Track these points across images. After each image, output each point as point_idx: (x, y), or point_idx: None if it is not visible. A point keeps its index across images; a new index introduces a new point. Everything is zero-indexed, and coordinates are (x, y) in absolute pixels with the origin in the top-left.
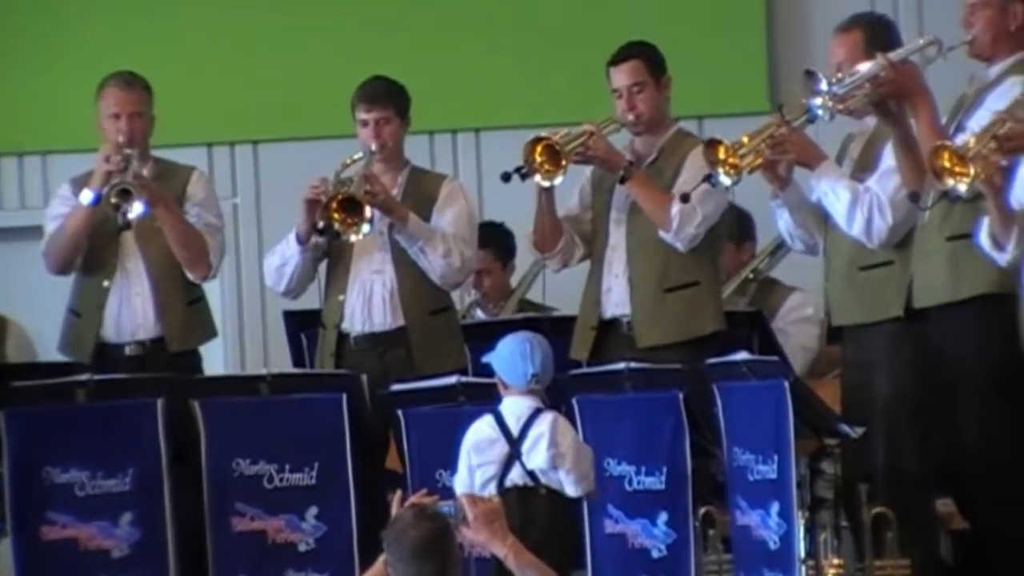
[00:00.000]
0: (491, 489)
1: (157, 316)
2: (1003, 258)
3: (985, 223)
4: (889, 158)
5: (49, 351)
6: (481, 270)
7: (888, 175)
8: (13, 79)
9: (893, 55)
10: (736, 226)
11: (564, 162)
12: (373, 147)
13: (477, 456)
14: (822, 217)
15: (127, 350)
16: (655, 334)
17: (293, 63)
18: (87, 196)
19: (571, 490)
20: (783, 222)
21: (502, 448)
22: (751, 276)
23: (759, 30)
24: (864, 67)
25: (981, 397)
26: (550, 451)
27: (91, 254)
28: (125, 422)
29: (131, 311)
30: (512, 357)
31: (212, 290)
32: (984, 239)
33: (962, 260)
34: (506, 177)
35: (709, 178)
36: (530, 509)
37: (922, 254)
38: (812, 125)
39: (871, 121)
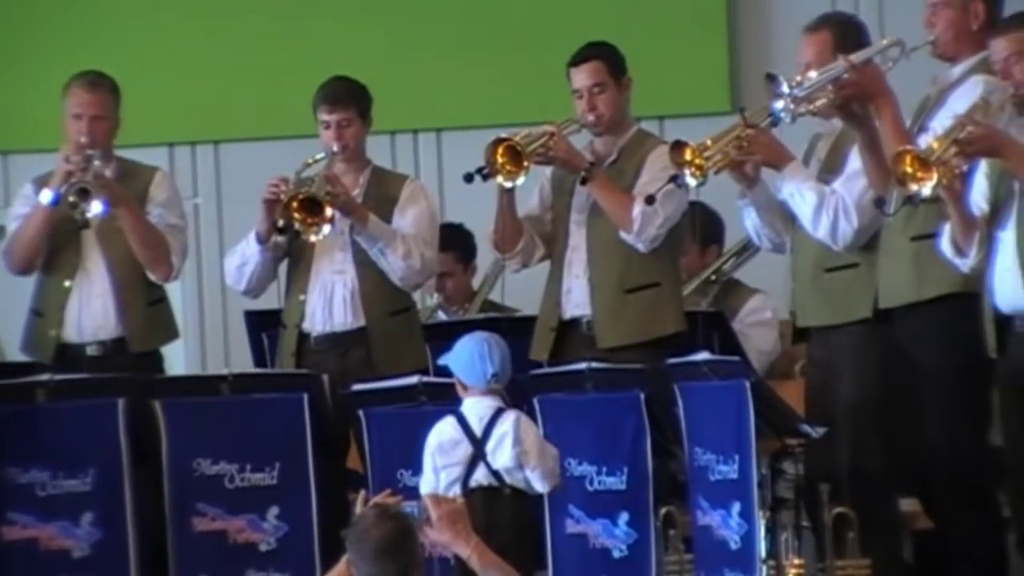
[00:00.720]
0: (456, 490)
1: (118, 316)
2: (965, 264)
3: (946, 229)
4: (856, 160)
5: (9, 351)
6: (443, 273)
7: (854, 178)
8: None
9: (855, 57)
10: (703, 228)
11: (526, 163)
12: (335, 148)
13: (442, 458)
14: (789, 216)
15: (88, 350)
16: (616, 335)
17: (255, 63)
18: (46, 196)
19: (539, 486)
20: (750, 221)
21: (466, 449)
22: (713, 277)
23: (720, 30)
24: (826, 69)
25: (945, 397)
26: (515, 449)
27: (52, 254)
28: (86, 422)
29: (92, 311)
30: (471, 358)
31: (173, 290)
32: (946, 245)
33: (926, 260)
34: (468, 178)
35: (675, 179)
36: (495, 509)
37: (887, 255)
38: (780, 126)
39: (839, 122)
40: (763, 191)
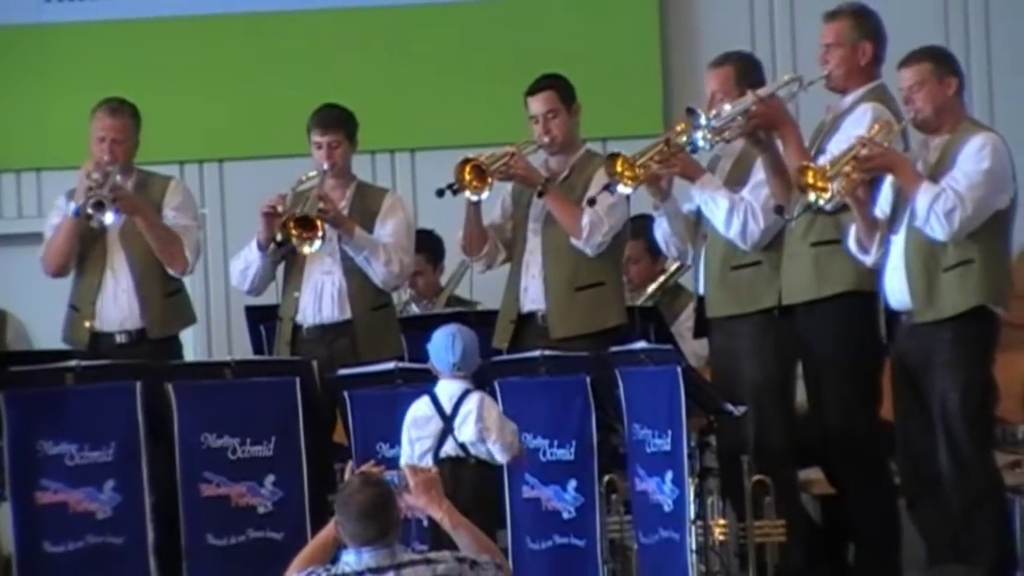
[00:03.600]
0: (428, 460)
1: (140, 308)
2: (868, 259)
3: (852, 231)
4: (760, 171)
5: (43, 342)
6: (415, 272)
7: (760, 186)
8: (9, 104)
9: (761, 91)
10: (654, 241)
11: (490, 179)
12: (325, 166)
13: (416, 431)
14: (693, 226)
15: (117, 339)
16: (566, 327)
17: (255, 92)
18: (70, 208)
19: (500, 457)
20: (660, 230)
21: (437, 424)
22: (669, 284)
23: (655, 64)
24: (737, 103)
25: (841, 381)
26: (477, 425)
27: (84, 256)
28: (108, 402)
29: (118, 305)
30: (440, 348)
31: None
32: (852, 244)
33: (824, 262)
34: (440, 193)
35: (608, 187)
36: (461, 477)
37: (789, 258)
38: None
39: (737, 143)
40: (673, 203)
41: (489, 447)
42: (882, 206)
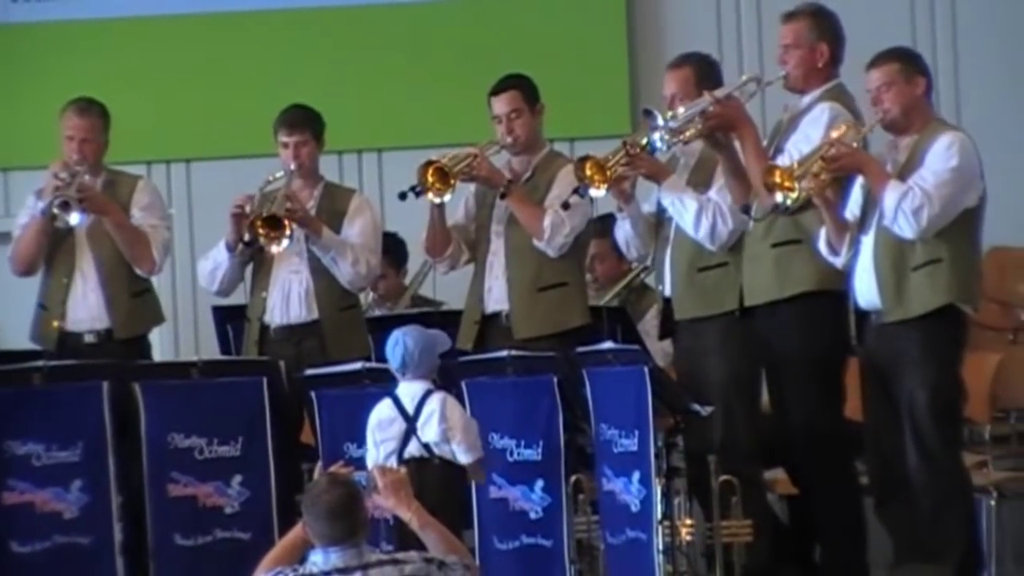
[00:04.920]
0: (392, 461)
1: (107, 308)
2: (839, 261)
3: (822, 232)
4: None
5: (10, 341)
6: (379, 274)
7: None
8: None
9: (719, 92)
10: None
11: (452, 181)
12: (292, 166)
13: (379, 433)
14: (654, 228)
15: (86, 338)
16: (529, 327)
17: (222, 92)
18: (38, 207)
19: (463, 458)
20: (623, 232)
21: (400, 426)
22: (635, 284)
23: (622, 65)
24: (694, 104)
25: (804, 381)
26: (441, 426)
27: (53, 256)
28: (75, 402)
29: (87, 305)
30: (388, 352)
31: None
32: (822, 245)
33: (785, 263)
34: (402, 196)
35: (578, 190)
36: (425, 477)
37: (750, 259)
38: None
39: (697, 145)
40: (636, 206)
41: (453, 448)
42: (851, 208)
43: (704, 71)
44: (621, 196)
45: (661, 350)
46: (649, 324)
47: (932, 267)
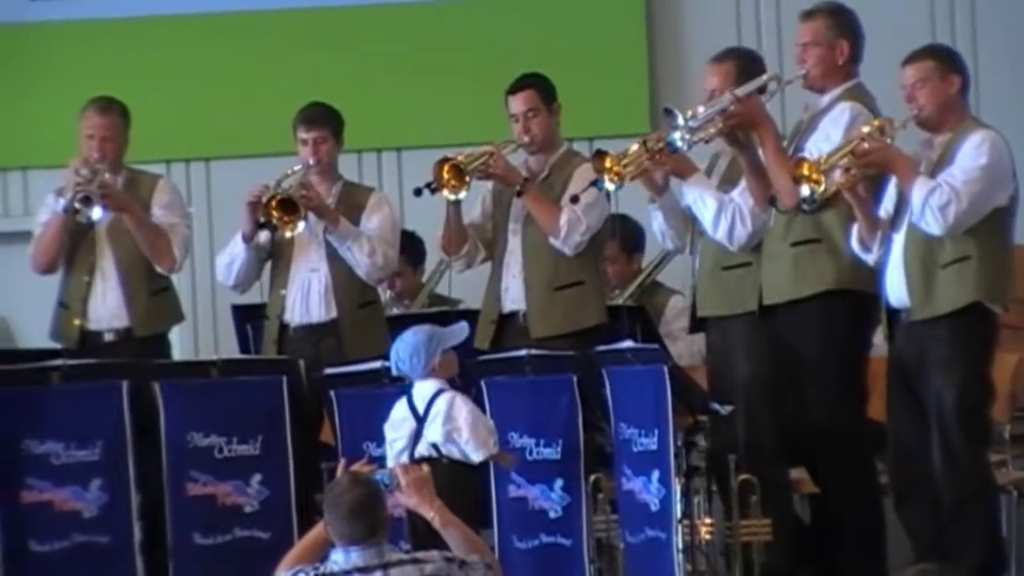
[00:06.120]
0: (403, 459)
1: (125, 307)
2: (870, 258)
3: (855, 229)
4: None
5: (30, 339)
6: (395, 272)
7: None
8: None
9: (739, 91)
10: (629, 238)
11: (468, 179)
12: (311, 162)
13: (392, 432)
14: (690, 221)
15: (105, 337)
16: (546, 326)
17: (240, 91)
18: (59, 205)
19: (474, 456)
20: (657, 223)
21: (411, 425)
22: (647, 283)
23: (642, 63)
24: (714, 103)
25: (824, 380)
26: (445, 427)
27: (73, 254)
28: (94, 401)
29: (107, 303)
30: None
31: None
32: (854, 242)
33: (803, 262)
34: (417, 192)
35: (595, 183)
36: (435, 476)
37: (769, 258)
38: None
39: None
40: (670, 198)
41: (462, 447)
42: (886, 205)
43: (745, 66)
44: (653, 188)
45: (688, 352)
46: (669, 324)
47: (961, 264)
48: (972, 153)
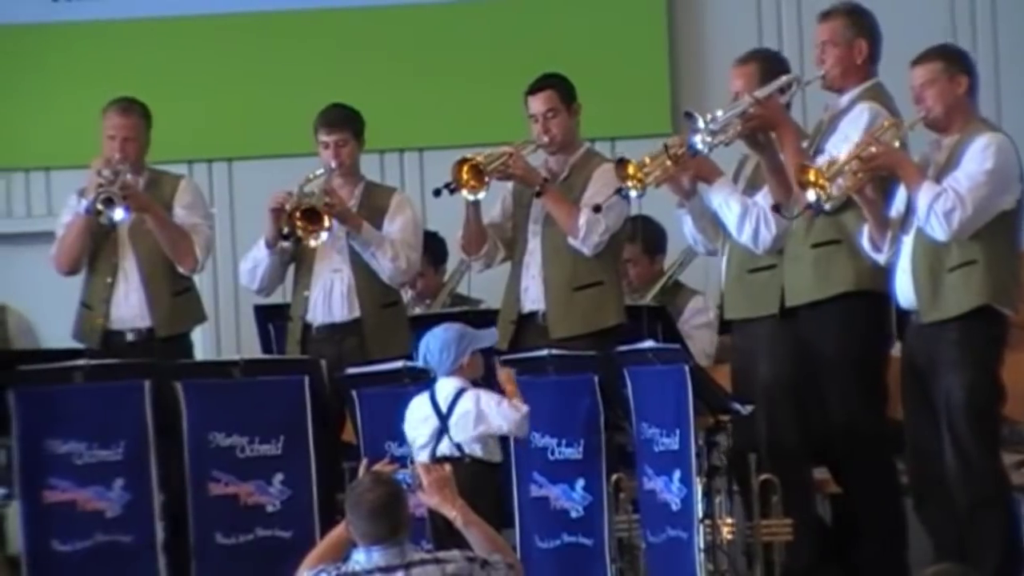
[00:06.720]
0: (424, 458)
1: (148, 307)
2: (881, 257)
3: (865, 229)
4: None
5: (52, 339)
6: (417, 272)
7: None
8: (18, 103)
9: (759, 93)
10: (651, 240)
11: (487, 179)
12: (333, 164)
13: (413, 431)
14: (719, 225)
15: (128, 337)
16: (565, 326)
17: (262, 92)
18: (82, 206)
19: (506, 427)
20: (687, 228)
21: (433, 423)
22: (670, 283)
23: (663, 64)
24: (734, 105)
25: (846, 381)
26: (479, 428)
27: (95, 255)
28: (117, 401)
29: (129, 304)
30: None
31: None
32: (865, 242)
33: (825, 263)
34: (436, 192)
35: (620, 191)
36: (457, 476)
37: (790, 260)
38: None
39: None
40: (698, 202)
41: (492, 425)
42: (897, 205)
43: (769, 67)
44: (681, 193)
45: (703, 352)
46: (687, 323)
47: (967, 268)
48: (978, 157)
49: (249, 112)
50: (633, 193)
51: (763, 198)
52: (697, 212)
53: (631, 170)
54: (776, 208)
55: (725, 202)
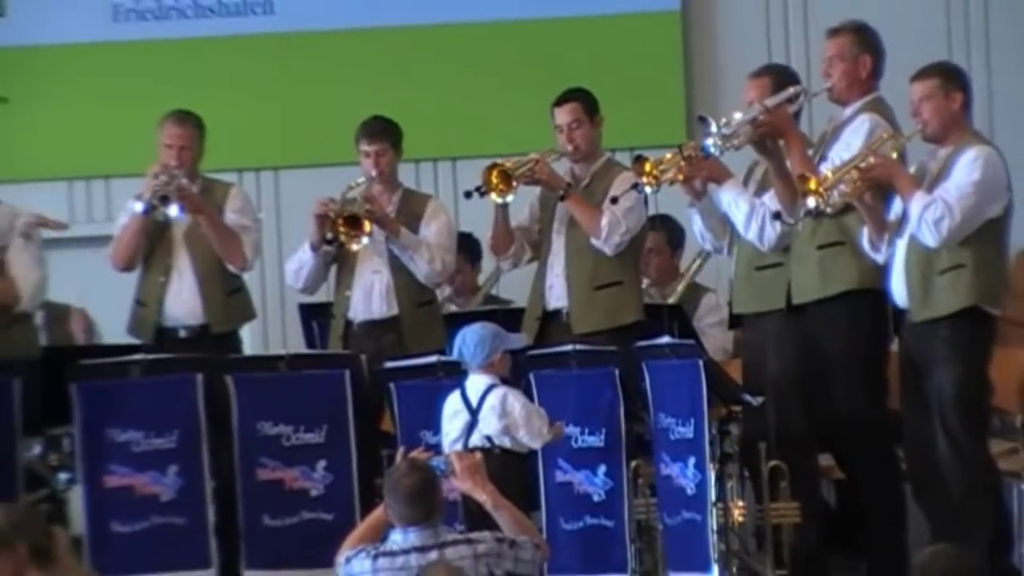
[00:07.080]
0: (457, 448)
1: (202, 306)
2: (880, 257)
3: (865, 231)
4: None
5: (112, 336)
6: (455, 269)
7: None
8: (81, 116)
9: (768, 102)
10: (672, 236)
11: (515, 183)
12: (373, 173)
13: (446, 424)
14: (728, 223)
15: (181, 333)
16: (587, 323)
17: (307, 105)
18: (138, 206)
19: (533, 444)
20: (697, 226)
21: (464, 417)
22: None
23: (678, 78)
24: (746, 112)
25: (849, 375)
26: (502, 422)
27: (150, 255)
28: (171, 393)
29: (181, 302)
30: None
31: None
32: (864, 243)
33: (830, 263)
34: (468, 194)
35: (636, 186)
36: (488, 465)
37: (797, 260)
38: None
39: None
40: (708, 202)
41: (519, 439)
42: (896, 208)
43: (781, 80)
44: (692, 193)
45: (719, 348)
46: (701, 321)
47: (956, 272)
48: (966, 169)
49: (294, 124)
50: (648, 189)
51: (769, 199)
52: (706, 211)
53: (648, 167)
54: (776, 216)
55: (734, 201)
